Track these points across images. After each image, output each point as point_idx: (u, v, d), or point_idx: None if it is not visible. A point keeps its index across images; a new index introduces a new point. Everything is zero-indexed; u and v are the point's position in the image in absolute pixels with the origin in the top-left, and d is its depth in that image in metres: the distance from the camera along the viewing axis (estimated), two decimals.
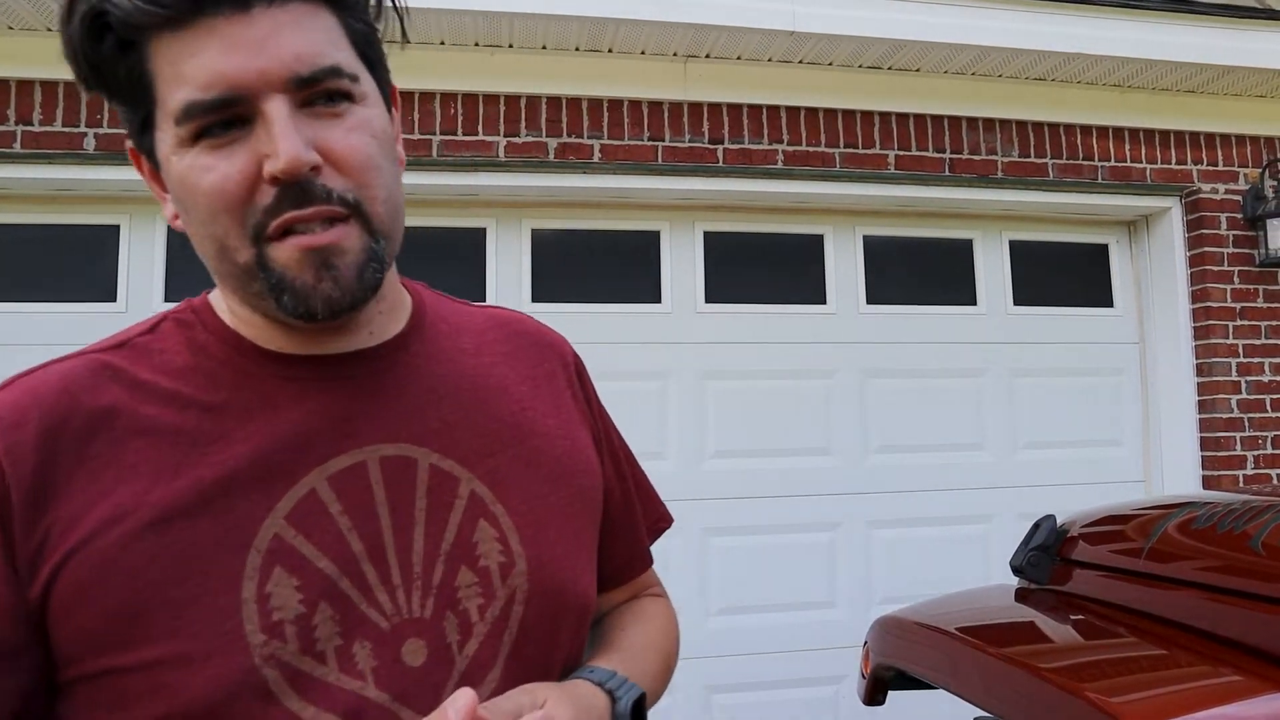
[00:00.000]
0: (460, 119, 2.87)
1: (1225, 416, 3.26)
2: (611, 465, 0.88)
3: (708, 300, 3.15)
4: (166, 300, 2.79)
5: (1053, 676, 1.32)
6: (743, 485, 3.09)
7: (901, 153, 3.15)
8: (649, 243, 3.16)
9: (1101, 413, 3.42)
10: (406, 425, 0.71)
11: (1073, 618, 1.68)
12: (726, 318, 3.16)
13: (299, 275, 0.64)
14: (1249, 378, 3.30)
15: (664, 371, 3.09)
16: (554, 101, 2.93)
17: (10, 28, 2.64)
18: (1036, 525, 1.93)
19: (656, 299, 3.13)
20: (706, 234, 3.19)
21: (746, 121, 3.06)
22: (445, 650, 0.67)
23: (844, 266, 3.27)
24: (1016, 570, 1.92)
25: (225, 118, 0.62)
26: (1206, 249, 3.33)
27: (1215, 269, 3.32)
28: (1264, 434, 3.28)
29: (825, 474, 3.16)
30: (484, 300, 2.98)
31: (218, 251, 0.65)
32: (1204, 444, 3.31)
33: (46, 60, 2.52)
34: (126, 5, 0.60)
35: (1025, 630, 1.72)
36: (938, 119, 3.19)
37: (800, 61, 3.04)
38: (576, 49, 2.91)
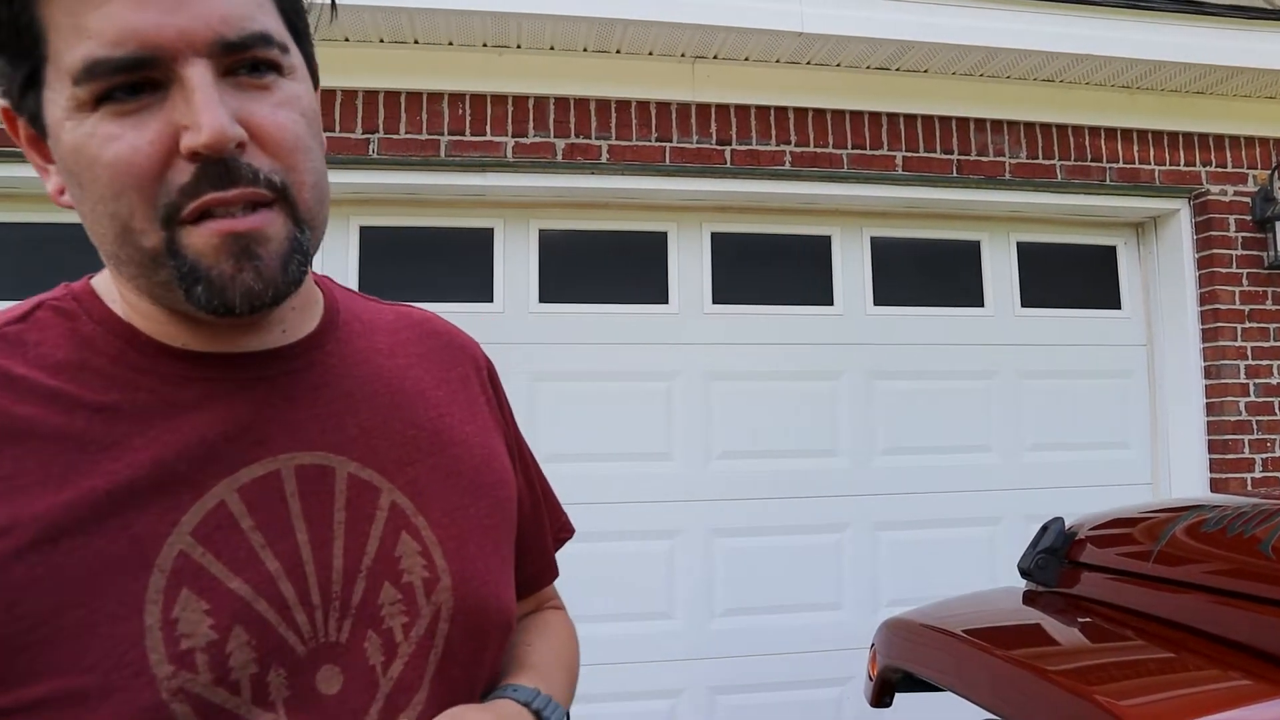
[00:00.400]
0: (468, 119, 2.88)
1: (1233, 419, 3.25)
2: (523, 474, 0.84)
3: (715, 301, 3.15)
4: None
5: (1061, 679, 1.32)
6: (749, 486, 3.09)
7: (909, 154, 3.15)
8: (656, 243, 3.16)
9: (1109, 415, 3.41)
10: (323, 432, 0.65)
11: (1081, 621, 1.68)
12: (733, 319, 3.16)
13: (216, 264, 0.56)
14: (1257, 380, 3.28)
15: (670, 372, 3.09)
16: (562, 102, 2.94)
17: None
18: (1045, 528, 1.93)
19: (664, 300, 3.13)
20: (714, 235, 3.19)
21: (754, 122, 3.06)
22: (368, 673, 0.62)
23: (851, 268, 3.27)
24: (1025, 573, 1.92)
25: (134, 80, 0.54)
26: (1215, 251, 3.31)
27: (1224, 271, 3.31)
28: (1272, 437, 3.26)
29: (832, 475, 3.16)
30: (492, 301, 2.99)
31: (118, 234, 0.57)
32: (1212, 446, 3.30)
33: None
34: None
35: (1033, 633, 1.72)
36: (945, 120, 3.19)
37: (808, 62, 3.04)
38: (584, 50, 2.91)
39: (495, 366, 0.86)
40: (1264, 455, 3.25)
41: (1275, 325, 3.32)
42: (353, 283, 2.88)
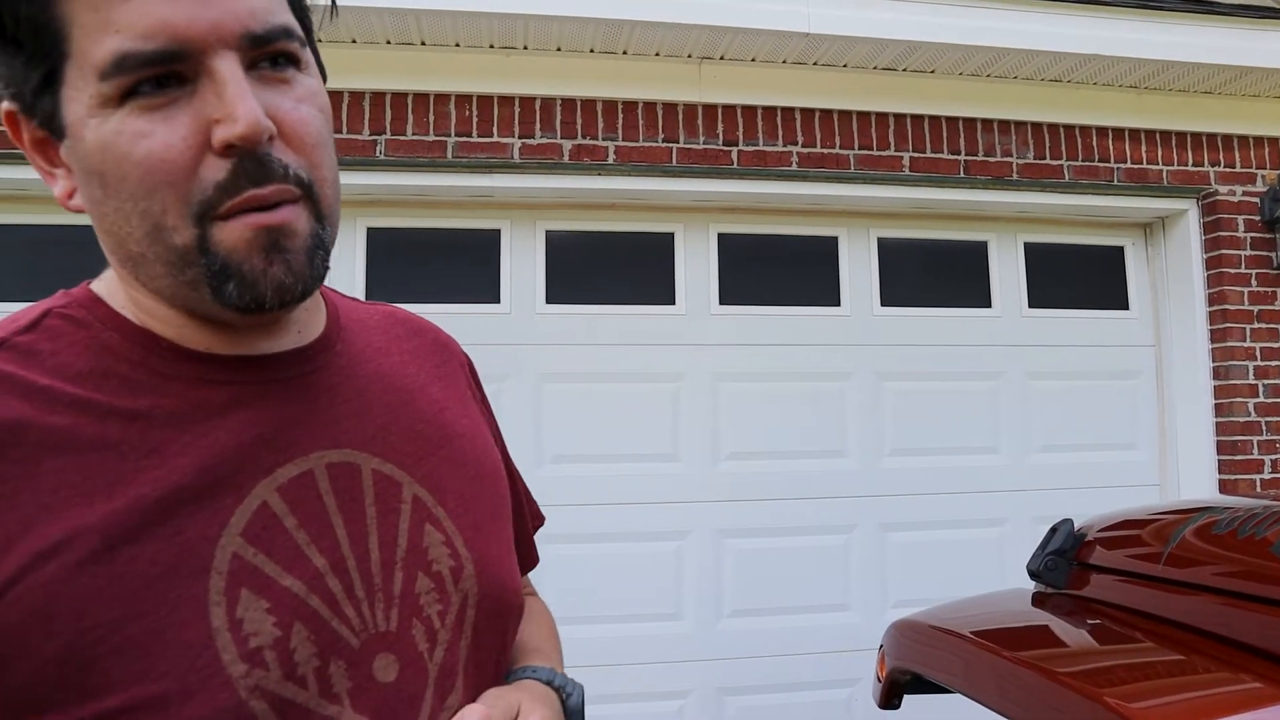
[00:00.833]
0: (475, 120, 2.88)
1: (1242, 420, 3.24)
2: (505, 465, 0.86)
3: (722, 302, 3.15)
4: None
5: (1070, 681, 1.32)
6: (756, 487, 3.08)
7: (916, 155, 3.14)
8: (663, 244, 3.16)
9: (1117, 416, 3.40)
10: (345, 430, 0.66)
11: (1090, 622, 1.67)
12: (740, 320, 3.15)
13: (248, 258, 0.57)
14: (1266, 381, 3.27)
15: (678, 373, 3.09)
16: (569, 103, 2.94)
17: None
18: (1054, 529, 1.92)
19: (671, 301, 3.13)
20: (721, 236, 3.19)
21: (761, 123, 3.06)
22: (418, 660, 0.64)
23: (858, 269, 3.27)
24: (1033, 574, 1.91)
25: (162, 73, 0.54)
26: (1223, 251, 3.30)
27: (1232, 271, 3.30)
28: None
29: (840, 476, 3.16)
30: (499, 302, 2.99)
31: (148, 232, 0.56)
32: (1220, 447, 3.29)
33: None
34: None
35: (1042, 634, 1.71)
36: (953, 121, 3.18)
37: (815, 63, 3.04)
38: (591, 51, 2.92)
39: (494, 367, 0.88)
40: (1273, 456, 3.24)
41: None
42: (360, 284, 2.89)
